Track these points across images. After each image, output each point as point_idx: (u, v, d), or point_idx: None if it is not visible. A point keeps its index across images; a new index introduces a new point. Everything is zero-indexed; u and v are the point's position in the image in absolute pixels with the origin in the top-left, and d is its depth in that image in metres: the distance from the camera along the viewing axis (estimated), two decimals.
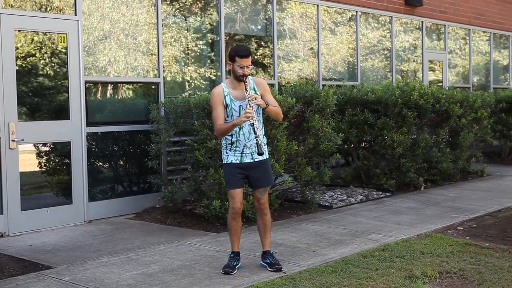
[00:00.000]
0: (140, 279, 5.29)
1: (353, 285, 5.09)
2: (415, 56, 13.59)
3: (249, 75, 5.43)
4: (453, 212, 8.14)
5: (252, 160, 5.47)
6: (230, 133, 5.46)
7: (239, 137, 5.45)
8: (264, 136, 5.63)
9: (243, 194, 5.56)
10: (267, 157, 5.58)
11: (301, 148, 7.95)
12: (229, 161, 5.50)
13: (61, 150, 7.59)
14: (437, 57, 14.16)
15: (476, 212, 8.13)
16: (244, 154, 5.47)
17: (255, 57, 10.08)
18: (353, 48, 11.92)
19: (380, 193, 9.57)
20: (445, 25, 14.24)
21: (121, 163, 8.22)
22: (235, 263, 5.54)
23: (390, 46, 12.72)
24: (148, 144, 8.18)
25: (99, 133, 7.92)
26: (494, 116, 12.90)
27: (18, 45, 7.18)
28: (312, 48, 11.09)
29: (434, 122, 10.45)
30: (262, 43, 10.28)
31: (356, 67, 11.91)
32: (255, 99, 5.29)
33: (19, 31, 7.18)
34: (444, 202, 8.86)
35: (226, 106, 5.46)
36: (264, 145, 5.53)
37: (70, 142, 7.57)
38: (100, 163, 8.04)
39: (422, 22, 13.53)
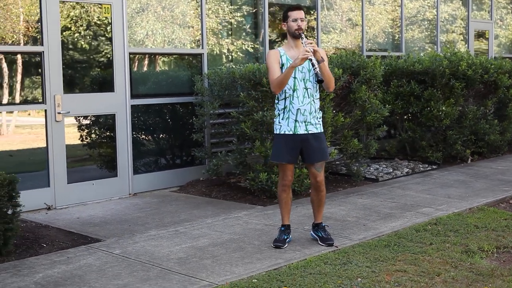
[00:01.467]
0: (190, 252, 5.24)
1: (408, 259, 4.96)
2: (461, 26, 13.22)
3: (303, 30, 5.32)
4: (504, 185, 7.93)
5: (306, 132, 5.31)
6: (284, 96, 5.31)
7: (292, 100, 5.29)
8: (320, 111, 5.47)
9: (294, 166, 5.44)
10: (322, 131, 5.43)
11: (347, 119, 7.79)
12: (282, 132, 5.36)
13: (106, 123, 7.56)
14: (483, 27, 13.76)
15: None
16: (297, 123, 5.29)
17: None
18: (397, 18, 11.62)
19: (426, 165, 9.37)
20: None
21: (165, 135, 8.17)
22: (285, 237, 5.45)
23: (435, 16, 12.38)
24: (192, 116, 8.11)
25: (144, 105, 7.86)
26: None
27: (63, 17, 7.12)
28: (351, 19, 10.84)
29: (481, 93, 10.17)
30: (306, 13, 10.05)
31: (400, 38, 11.62)
32: (311, 44, 5.18)
33: (64, 2, 7.11)
34: (493, 175, 8.63)
35: (282, 66, 5.33)
36: (319, 118, 5.39)
37: (115, 114, 7.53)
38: (144, 136, 8.00)
39: None
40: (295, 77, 5.29)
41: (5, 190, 5.12)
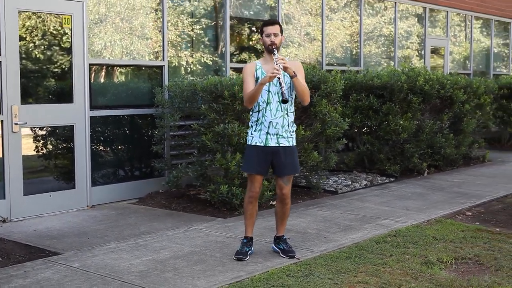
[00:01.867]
0: (151, 265, 5.18)
1: (369, 271, 5.00)
2: (417, 42, 13.48)
3: (277, 45, 5.33)
4: (460, 197, 8.08)
5: (277, 145, 5.32)
6: (257, 109, 5.32)
7: (265, 112, 5.29)
8: (294, 124, 5.47)
9: (263, 179, 5.43)
10: (294, 144, 5.43)
11: (308, 132, 7.83)
12: (253, 143, 5.36)
13: (64, 134, 7.44)
14: (439, 43, 14.06)
15: (483, 197, 8.07)
16: (269, 135, 5.30)
17: (257, 40, 9.93)
18: (356, 34, 11.79)
19: (384, 178, 9.49)
20: (447, 11, 14.13)
21: (124, 147, 8.08)
22: (247, 249, 5.43)
23: (393, 32, 12.60)
24: (152, 128, 8.06)
25: (103, 116, 7.77)
26: (495, 103, 12.82)
27: (22, 27, 7.01)
28: (310, 34, 10.95)
29: (438, 107, 10.37)
30: None
31: (359, 53, 11.78)
32: (283, 60, 5.18)
33: (22, 12, 7.00)
34: (449, 188, 8.79)
35: (257, 79, 5.34)
36: (292, 132, 5.40)
37: (73, 126, 7.42)
38: (103, 148, 7.90)
39: (425, 8, 13.41)
40: (269, 91, 5.30)
41: None
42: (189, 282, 4.77)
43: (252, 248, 5.50)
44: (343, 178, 9.31)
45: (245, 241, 5.50)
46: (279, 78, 5.13)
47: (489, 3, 15.48)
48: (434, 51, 14.06)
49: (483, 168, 10.85)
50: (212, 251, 5.61)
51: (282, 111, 5.32)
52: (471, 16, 15.00)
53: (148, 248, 5.70)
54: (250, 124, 5.48)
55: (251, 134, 5.41)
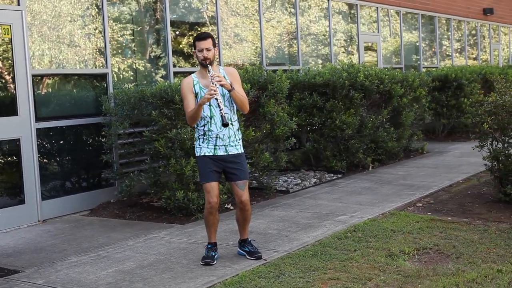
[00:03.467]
0: (118, 277, 5.10)
1: (337, 267, 5.09)
2: (351, 39, 13.75)
3: (211, 59, 5.30)
4: (408, 189, 8.30)
5: (226, 153, 5.34)
6: (203, 123, 5.32)
7: (210, 126, 5.31)
8: (240, 131, 5.50)
9: (218, 187, 5.42)
10: (242, 151, 5.45)
11: (257, 134, 7.88)
12: (202, 154, 5.35)
13: (10, 148, 7.22)
14: (371, 39, 14.39)
15: (430, 188, 8.32)
16: (217, 147, 5.32)
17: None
18: (292, 33, 11.92)
19: (332, 175, 9.64)
20: (377, 8, 14.48)
21: (73, 158, 7.90)
22: (213, 253, 5.43)
23: (328, 30, 12.81)
24: (100, 137, 7.92)
25: (50, 128, 7.58)
26: (428, 95, 13.23)
27: None
28: (248, 35, 11.01)
29: (377, 102, 10.61)
30: (209, 30, 10.10)
31: (297, 52, 11.92)
32: (218, 77, 5.18)
33: None
34: (396, 181, 9.01)
35: (196, 95, 5.33)
36: (239, 140, 5.43)
37: (19, 139, 7.21)
38: (52, 160, 7.71)
39: (356, 4, 13.69)
40: (210, 105, 5.29)
41: None
42: None
43: (217, 253, 5.49)
44: (292, 177, 9.40)
45: (209, 246, 5.49)
46: (217, 99, 5.15)
47: None
48: (367, 47, 14.37)
49: (423, 159, 11.18)
50: (177, 258, 5.58)
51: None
52: (399, 11, 15.42)
53: (112, 259, 5.60)
54: (196, 136, 5.46)
55: (199, 145, 5.40)
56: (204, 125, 5.34)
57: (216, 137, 5.32)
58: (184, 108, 5.38)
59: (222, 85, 5.21)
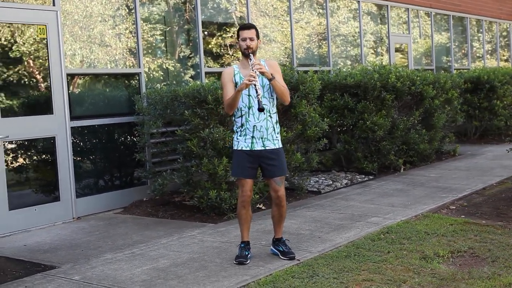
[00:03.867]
0: (153, 274, 5.15)
1: (371, 268, 5.07)
2: (381, 40, 13.69)
3: (254, 49, 5.36)
4: (441, 192, 8.23)
5: (263, 148, 5.35)
6: (240, 114, 5.34)
7: (248, 117, 5.33)
8: (278, 125, 5.51)
9: (252, 183, 5.45)
10: (280, 146, 5.46)
11: (289, 134, 7.89)
12: (239, 148, 5.38)
13: (46, 146, 7.33)
14: (402, 40, 14.30)
15: (463, 191, 8.24)
16: (254, 139, 5.33)
17: (232, 42, 9.95)
18: (322, 33, 11.90)
19: (363, 176, 9.61)
20: (408, 9, 14.38)
21: (106, 157, 7.99)
22: (246, 253, 5.45)
23: (358, 31, 12.77)
24: (132, 136, 8.01)
25: (84, 127, 7.68)
26: (460, 97, 13.11)
27: (3, 38, 6.89)
28: (279, 35, 11.02)
29: (409, 104, 10.54)
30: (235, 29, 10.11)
31: (327, 52, 11.91)
32: (258, 65, 5.21)
33: None
34: (428, 183, 8.95)
35: (236, 85, 5.36)
36: (277, 134, 5.44)
37: (55, 137, 7.31)
38: (85, 158, 7.81)
39: (388, 6, 13.63)
40: (249, 95, 5.33)
41: None
42: None
43: (250, 252, 5.51)
44: (323, 178, 9.39)
45: (242, 245, 5.51)
46: (255, 85, 5.16)
47: None
48: (397, 48, 14.29)
49: (456, 162, 11.08)
50: (211, 256, 5.61)
51: (264, 113, 5.35)
52: (430, 12, 15.30)
53: (146, 257, 5.66)
54: (234, 129, 5.50)
55: (237, 139, 5.43)
56: (241, 116, 5.37)
57: (254, 128, 5.33)
58: (223, 97, 5.42)
59: (262, 73, 5.23)
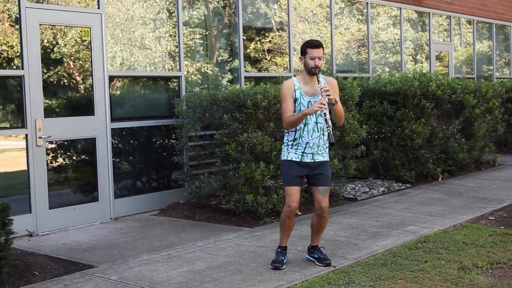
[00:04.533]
0: (189, 276, 5.18)
1: (408, 278, 5.03)
2: (422, 48, 13.57)
3: (320, 69, 5.32)
4: (479, 202, 8.12)
5: (312, 160, 5.35)
6: (294, 129, 5.33)
7: (302, 133, 5.31)
8: (327, 141, 5.47)
9: (300, 192, 5.43)
10: (328, 159, 5.45)
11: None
12: (289, 158, 5.36)
13: (87, 147, 7.45)
14: (443, 48, 14.15)
15: (503, 201, 8.11)
16: (305, 154, 5.33)
17: (270, 47, 9.97)
18: (363, 40, 11.85)
19: (400, 184, 9.53)
20: (450, 16, 14.23)
21: (145, 159, 8.08)
22: (283, 258, 5.44)
23: (399, 38, 12.68)
24: (170, 139, 8.08)
25: (123, 128, 7.78)
26: (502, 106, 12.90)
27: (43, 40, 7.01)
28: (321, 39, 11.00)
29: (449, 112, 10.41)
30: (276, 35, 10.15)
31: (367, 59, 11.85)
32: (327, 91, 5.18)
33: (43, 25, 7.01)
34: (467, 193, 8.83)
35: (295, 100, 5.34)
36: (326, 148, 5.41)
37: (95, 138, 7.42)
38: (124, 160, 7.91)
39: (429, 13, 13.50)
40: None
41: None
42: None
43: (287, 258, 5.51)
44: (360, 185, 9.34)
45: (279, 250, 5.51)
46: (325, 114, 5.14)
47: (489, 7, 15.60)
48: (438, 56, 14.14)
49: (495, 172, 10.91)
50: (247, 260, 5.62)
51: (318, 131, 5.33)
52: (472, 20, 15.11)
53: (182, 259, 5.70)
54: (285, 141, 5.47)
55: (287, 150, 5.42)
56: (295, 131, 5.35)
57: (306, 144, 5.33)
58: (282, 111, 5.38)
59: (329, 98, 5.20)
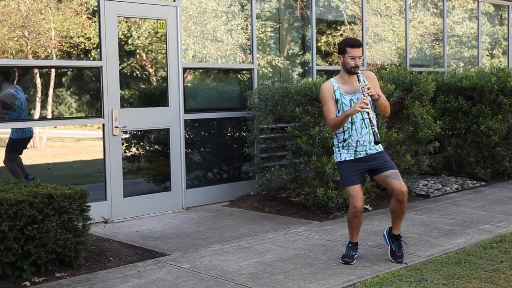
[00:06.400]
0: (260, 267, 5.22)
1: (483, 277, 4.90)
2: (499, 42, 13.17)
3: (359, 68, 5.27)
4: None
5: (366, 154, 5.30)
6: (342, 130, 5.29)
7: (351, 132, 5.27)
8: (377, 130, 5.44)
9: (363, 190, 5.37)
10: (382, 149, 5.39)
11: (400, 135, 7.76)
12: (343, 159, 5.32)
13: (160, 137, 7.59)
14: None
15: None
16: (357, 152, 5.28)
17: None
18: (436, 33, 11.60)
19: (475, 182, 9.30)
20: None
21: (216, 150, 8.17)
22: (353, 253, 5.41)
23: (475, 32, 12.34)
24: (242, 131, 8.13)
25: (196, 120, 7.89)
26: None
27: (120, 32, 7.18)
28: (393, 34, 10.83)
29: None
30: (348, 28, 10.07)
31: (442, 53, 11.59)
32: (369, 89, 5.13)
33: (121, 17, 7.17)
34: None
35: (336, 101, 5.30)
36: (379, 138, 5.36)
37: (169, 129, 7.55)
38: (196, 151, 8.02)
39: (508, 6, 13.08)
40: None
41: (77, 204, 5.14)
42: (301, 285, 4.78)
43: (357, 253, 5.47)
44: (432, 182, 9.17)
45: (350, 245, 5.47)
46: (368, 113, 5.09)
47: None
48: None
49: None
50: (317, 254, 5.61)
51: (366, 127, 5.27)
52: None
53: (252, 251, 5.74)
54: (335, 142, 5.42)
55: (339, 151, 5.37)
56: (343, 132, 5.30)
57: (357, 143, 5.28)
58: (325, 114, 5.34)
59: (371, 95, 5.15)
